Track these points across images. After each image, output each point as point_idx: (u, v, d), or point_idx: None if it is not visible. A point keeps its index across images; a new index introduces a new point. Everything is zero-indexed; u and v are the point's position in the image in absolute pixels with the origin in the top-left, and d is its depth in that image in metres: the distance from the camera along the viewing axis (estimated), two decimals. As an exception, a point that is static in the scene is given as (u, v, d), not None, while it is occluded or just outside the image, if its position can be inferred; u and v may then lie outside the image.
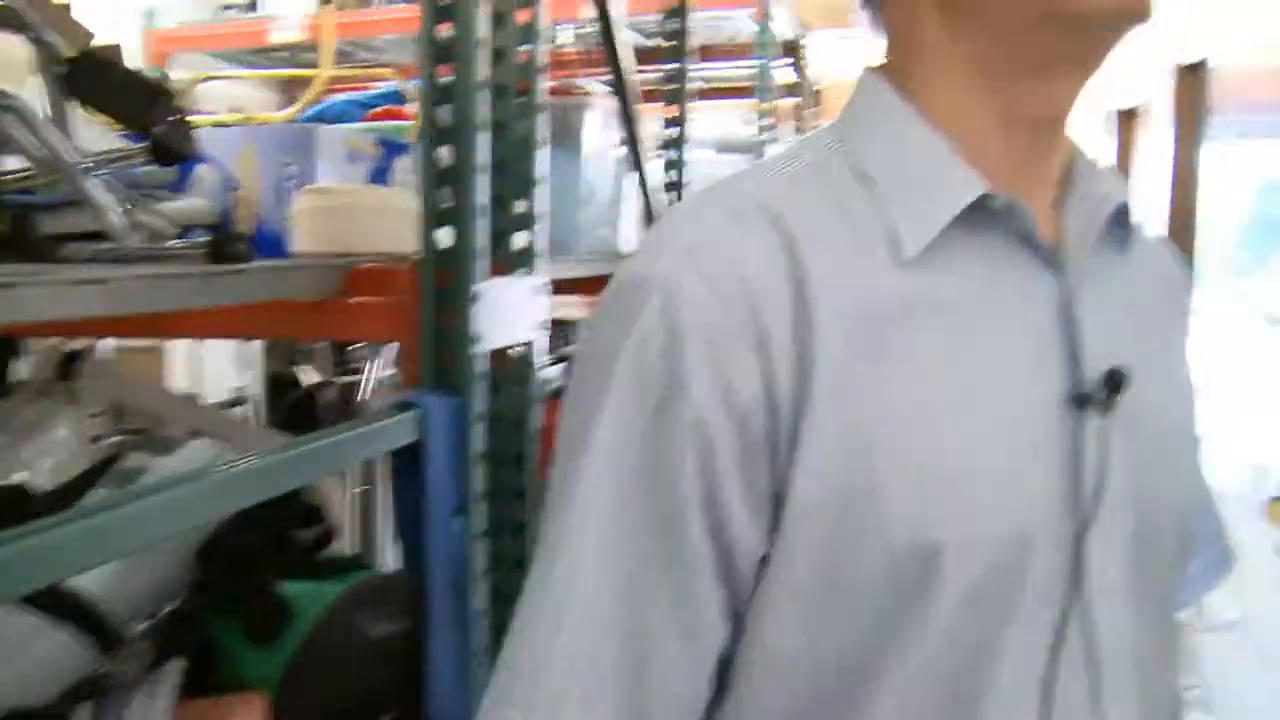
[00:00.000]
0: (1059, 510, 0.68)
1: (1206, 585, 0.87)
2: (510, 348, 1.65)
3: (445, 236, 1.51)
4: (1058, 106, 0.74)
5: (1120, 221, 0.78)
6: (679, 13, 2.69)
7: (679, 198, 2.69)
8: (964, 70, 0.73)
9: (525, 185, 1.70)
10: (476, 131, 1.51)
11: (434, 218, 1.51)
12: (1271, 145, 3.68)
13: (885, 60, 0.80)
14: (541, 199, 1.72)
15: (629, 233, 2.81)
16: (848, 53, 8.06)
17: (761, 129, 4.00)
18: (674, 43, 2.69)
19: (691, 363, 0.65)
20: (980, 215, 0.70)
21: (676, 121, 2.72)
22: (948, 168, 0.71)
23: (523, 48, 1.70)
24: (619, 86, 2.30)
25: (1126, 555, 0.71)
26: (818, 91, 5.21)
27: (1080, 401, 0.70)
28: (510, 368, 1.66)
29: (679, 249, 0.69)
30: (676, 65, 2.70)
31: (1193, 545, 0.81)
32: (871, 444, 0.65)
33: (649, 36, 2.88)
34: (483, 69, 1.52)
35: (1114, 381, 0.69)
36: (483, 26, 1.52)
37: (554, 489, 0.71)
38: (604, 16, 2.18)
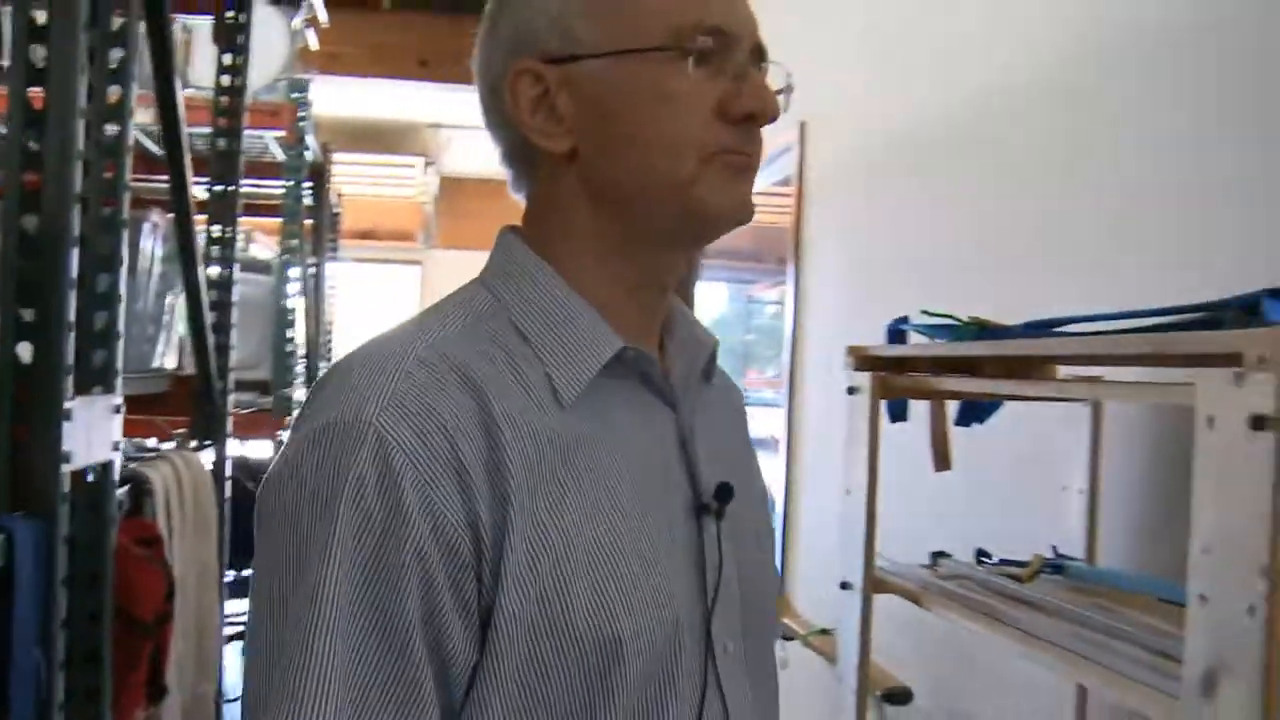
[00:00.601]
0: (694, 599, 0.82)
1: None
2: (87, 468, 1.58)
3: (24, 351, 1.44)
4: (674, 276, 0.89)
5: (709, 361, 0.94)
6: (233, 132, 2.70)
7: (227, 317, 2.67)
8: (605, 246, 0.85)
9: (106, 301, 1.66)
10: (67, 245, 1.47)
11: (15, 332, 1.43)
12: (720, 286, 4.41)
13: (526, 223, 0.89)
14: (119, 316, 1.68)
15: (171, 351, 2.73)
16: (365, 174, 8.27)
17: (286, 249, 4.02)
18: (227, 159, 2.69)
19: (409, 500, 0.71)
20: (617, 363, 0.82)
21: (223, 240, 2.70)
22: (591, 326, 0.83)
23: (109, 160, 1.68)
24: (180, 200, 2.27)
25: (739, 630, 0.86)
26: (337, 214, 5.29)
27: (700, 511, 0.85)
28: (86, 488, 1.59)
29: (384, 398, 0.74)
30: (227, 183, 2.70)
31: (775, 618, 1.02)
32: (558, 561, 0.75)
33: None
34: (76, 181, 1.49)
35: (723, 493, 0.85)
36: (79, 139, 1.49)
37: (268, 624, 0.73)
38: (172, 126, 2.17)
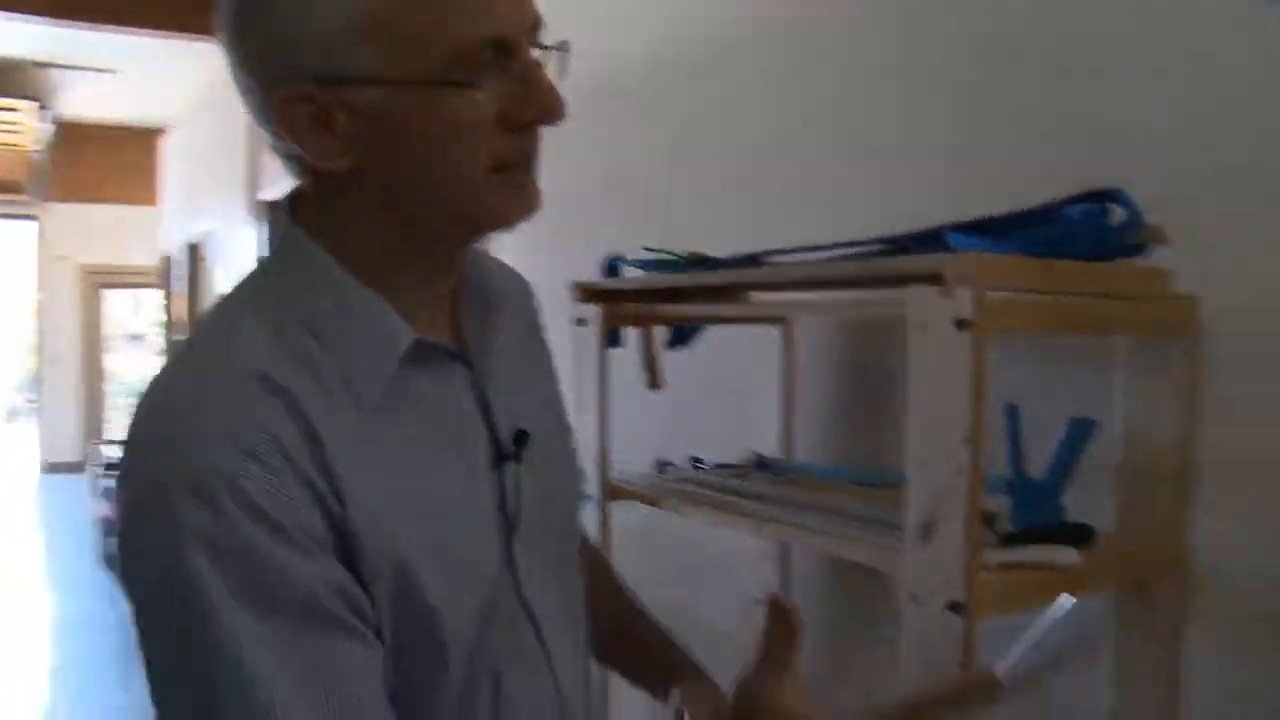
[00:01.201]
0: (498, 532, 0.90)
1: None
2: None
3: None
4: (462, 260, 0.93)
5: (497, 293, 0.97)
6: None
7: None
8: (390, 246, 0.86)
9: None
10: None
11: None
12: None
13: (306, 213, 0.87)
14: None
15: None
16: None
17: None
18: None
19: (267, 512, 0.74)
20: (414, 348, 0.85)
21: None
22: (381, 322, 0.84)
23: None
24: None
25: (543, 549, 0.94)
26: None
27: (500, 459, 0.91)
28: None
29: (219, 436, 0.75)
30: None
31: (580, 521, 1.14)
32: (391, 536, 0.80)
33: None
34: None
35: (520, 439, 0.92)
36: None
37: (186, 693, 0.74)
38: None
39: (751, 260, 1.69)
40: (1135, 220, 1.24)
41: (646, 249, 1.84)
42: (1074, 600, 1.31)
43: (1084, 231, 1.23)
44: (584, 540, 1.11)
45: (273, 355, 0.79)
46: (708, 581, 2.22)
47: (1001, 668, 0.87)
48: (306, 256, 0.85)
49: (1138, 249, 1.27)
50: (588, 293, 1.86)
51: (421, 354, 0.86)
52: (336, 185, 0.84)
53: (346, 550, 0.77)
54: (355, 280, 0.84)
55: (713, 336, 2.01)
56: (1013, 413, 1.30)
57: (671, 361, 1.99)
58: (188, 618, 0.72)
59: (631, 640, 1.14)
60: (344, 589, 0.76)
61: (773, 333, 1.97)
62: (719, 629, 2.13)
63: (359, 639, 0.77)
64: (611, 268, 1.98)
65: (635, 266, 1.92)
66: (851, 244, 1.50)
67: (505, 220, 0.86)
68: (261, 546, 0.73)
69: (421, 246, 0.87)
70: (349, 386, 0.81)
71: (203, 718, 0.73)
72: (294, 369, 0.79)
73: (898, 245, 1.40)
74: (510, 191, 0.85)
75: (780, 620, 0.85)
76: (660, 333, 2.02)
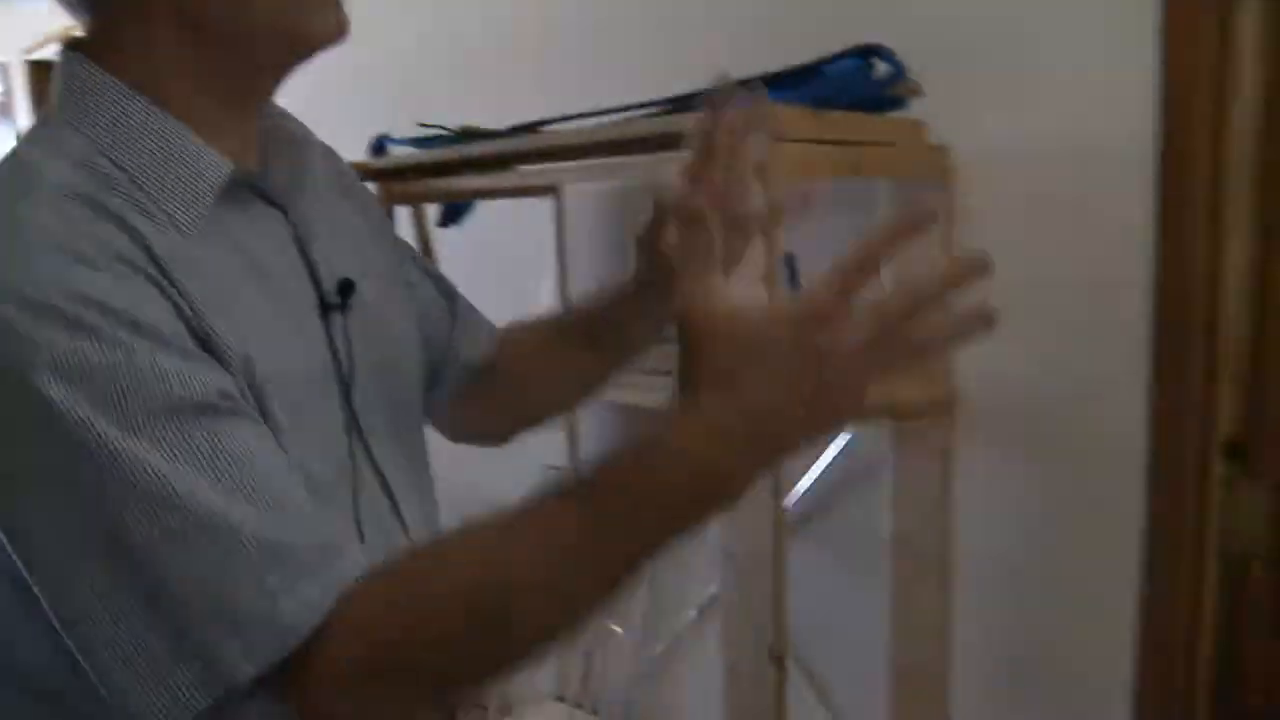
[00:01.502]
0: (334, 385, 0.88)
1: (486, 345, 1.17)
2: None
3: None
4: (270, 93, 0.89)
5: (301, 141, 0.93)
6: None
7: None
8: (199, 70, 0.82)
9: None
10: None
11: None
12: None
13: (97, 45, 0.82)
14: None
15: None
16: None
17: None
18: None
19: (143, 320, 0.70)
20: (229, 185, 0.82)
21: None
22: (195, 154, 0.80)
23: None
24: None
25: (381, 403, 0.92)
26: None
27: (326, 308, 0.88)
28: None
29: (51, 252, 0.70)
30: None
31: (425, 378, 1.06)
32: (244, 356, 0.77)
33: None
34: None
35: (344, 289, 0.90)
36: None
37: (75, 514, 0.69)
38: None
39: (523, 130, 1.70)
40: (896, 74, 1.33)
41: (421, 124, 1.81)
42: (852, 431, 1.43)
43: (850, 84, 1.30)
44: (499, 337, 1.15)
45: (85, 182, 0.75)
46: (498, 452, 2.24)
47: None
48: (105, 92, 0.80)
49: (898, 102, 1.36)
50: (358, 172, 1.82)
51: (236, 194, 0.83)
52: (136, 14, 0.80)
53: (210, 354, 0.74)
54: (163, 112, 0.80)
55: (486, 212, 2.01)
56: (790, 260, 1.38)
57: (446, 239, 1.98)
58: (66, 456, 0.68)
59: (594, 335, 1.11)
60: (220, 384, 0.73)
61: (544, 204, 1.99)
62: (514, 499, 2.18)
63: (249, 421, 0.74)
64: (379, 146, 1.94)
65: (403, 144, 1.88)
66: (623, 109, 1.53)
67: (317, 39, 0.83)
68: (126, 351, 0.69)
69: (230, 75, 0.83)
70: (169, 216, 0.77)
71: (102, 557, 0.69)
72: (113, 198, 0.75)
73: (674, 106, 1.44)
74: (321, 10, 0.82)
75: (690, 221, 0.82)
76: (432, 212, 2.00)
